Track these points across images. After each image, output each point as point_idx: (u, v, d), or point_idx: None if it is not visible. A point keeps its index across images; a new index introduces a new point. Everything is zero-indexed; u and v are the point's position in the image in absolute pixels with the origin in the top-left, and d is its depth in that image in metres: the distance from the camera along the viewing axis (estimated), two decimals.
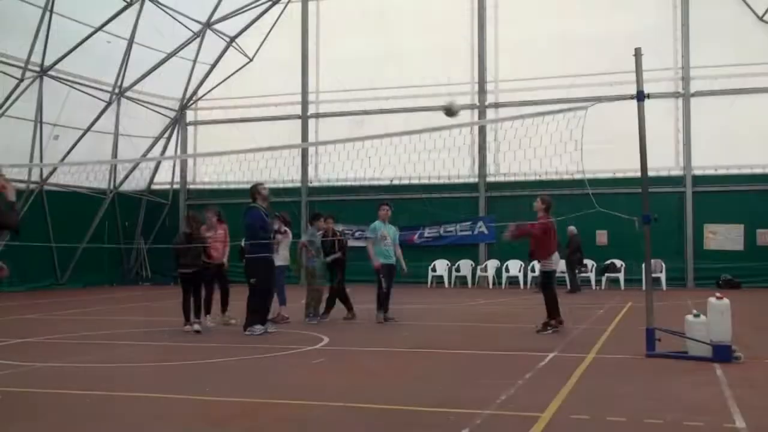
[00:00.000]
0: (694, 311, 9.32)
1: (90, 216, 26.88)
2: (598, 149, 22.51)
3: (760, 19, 24.03)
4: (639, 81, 9.69)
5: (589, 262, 23.62)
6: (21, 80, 22.42)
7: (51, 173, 24.93)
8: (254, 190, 12.35)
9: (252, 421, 6.24)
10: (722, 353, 8.71)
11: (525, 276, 24.52)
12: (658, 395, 7.10)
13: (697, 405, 6.64)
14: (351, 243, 24.86)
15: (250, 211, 12.13)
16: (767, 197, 23.79)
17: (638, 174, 9.93)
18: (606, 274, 24.08)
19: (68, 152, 25.06)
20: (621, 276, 23.70)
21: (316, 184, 28.31)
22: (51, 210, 25.05)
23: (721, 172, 24.51)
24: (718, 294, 9.15)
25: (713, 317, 8.89)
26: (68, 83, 24.31)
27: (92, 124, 25.65)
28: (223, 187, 27.33)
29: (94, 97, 25.48)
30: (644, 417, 6.13)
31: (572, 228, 22.14)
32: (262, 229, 11.98)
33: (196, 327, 12.59)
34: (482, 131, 26.31)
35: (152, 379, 8.36)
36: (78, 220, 26.14)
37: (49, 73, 23.43)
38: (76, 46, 23.39)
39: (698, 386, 7.53)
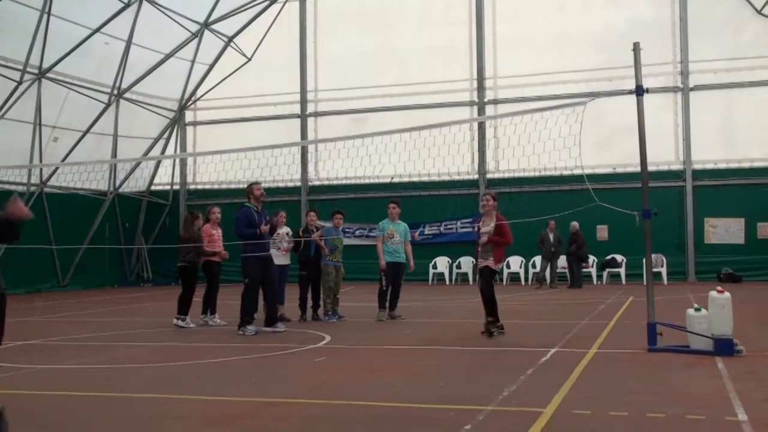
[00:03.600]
0: (696, 305, 9.33)
1: (90, 217, 26.92)
2: (598, 144, 22.70)
3: (759, 12, 24.03)
4: (638, 76, 9.68)
5: (590, 257, 23.64)
6: (19, 83, 22.43)
7: (51, 175, 24.94)
8: (248, 190, 12.51)
9: (254, 420, 6.24)
10: (724, 347, 8.71)
11: (526, 272, 24.53)
12: (660, 389, 7.09)
13: (699, 399, 6.64)
14: (351, 242, 25.07)
15: (241, 208, 12.28)
16: (767, 190, 23.81)
17: (638, 169, 9.91)
18: (607, 269, 24.10)
19: (68, 154, 25.11)
20: (622, 271, 23.72)
21: (316, 183, 28.32)
22: (51, 212, 25.05)
23: (721, 165, 24.56)
24: (719, 287, 9.14)
25: (714, 311, 8.88)
26: (67, 85, 24.32)
27: (91, 125, 25.68)
28: (223, 187, 27.32)
29: (93, 98, 25.50)
30: (646, 411, 6.13)
31: (575, 223, 22.18)
32: (247, 227, 12.00)
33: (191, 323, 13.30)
34: (481, 128, 26.33)
35: (153, 379, 8.36)
36: (78, 221, 26.17)
37: (48, 75, 23.45)
38: (74, 48, 23.42)
39: (700, 380, 7.53)
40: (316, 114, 28.71)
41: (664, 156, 24.23)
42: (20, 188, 24.27)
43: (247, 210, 12.19)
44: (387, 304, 13.83)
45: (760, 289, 19.82)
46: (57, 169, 24.48)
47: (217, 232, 13.90)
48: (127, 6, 23.92)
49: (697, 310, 9.14)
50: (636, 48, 9.70)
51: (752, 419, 5.77)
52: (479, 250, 11.41)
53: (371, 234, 26.44)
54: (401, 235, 13.99)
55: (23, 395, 7.50)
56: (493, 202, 11.54)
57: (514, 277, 24.88)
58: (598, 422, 5.91)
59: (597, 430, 5.73)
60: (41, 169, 24.56)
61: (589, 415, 6.09)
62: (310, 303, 14.29)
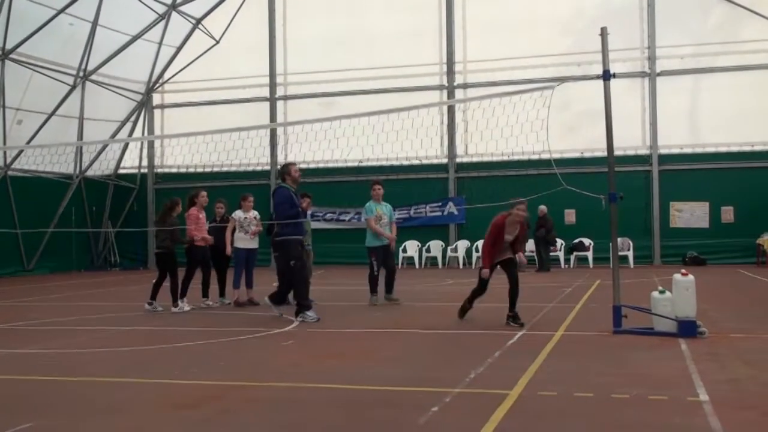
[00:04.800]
0: (660, 288, 9.45)
1: (56, 201, 26.55)
2: (566, 128, 22.85)
3: None
4: (605, 60, 9.75)
5: (557, 241, 23.84)
6: None
7: (15, 158, 24.55)
8: (285, 170, 12.01)
9: (221, 403, 6.23)
10: (687, 329, 8.85)
11: None
12: (625, 371, 7.20)
13: (662, 379, 6.74)
14: (320, 225, 25.05)
15: (279, 190, 11.85)
16: (731, 175, 24.19)
17: (605, 153, 10.00)
18: (575, 253, 24.32)
19: (32, 137, 24.70)
20: (589, 254, 23.94)
21: None
22: (16, 196, 24.70)
23: (687, 150, 24.85)
24: (683, 270, 9.27)
25: (678, 293, 9.01)
26: (31, 67, 23.91)
27: (56, 108, 25.29)
28: (191, 170, 27.14)
29: (58, 80, 25.09)
30: (611, 392, 6.22)
31: (543, 207, 22.32)
32: (292, 208, 11.57)
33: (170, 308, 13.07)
34: (451, 112, 26.38)
35: (120, 363, 8.30)
36: (44, 205, 25.82)
37: (11, 56, 23.04)
38: (38, 29, 23.00)
39: (663, 361, 7.65)
40: (285, 97, 28.54)
41: (630, 141, 24.41)
42: None
43: (285, 191, 11.71)
44: (378, 289, 13.61)
45: (724, 272, 20.14)
46: (21, 152, 24.09)
47: (203, 216, 13.79)
48: None
49: (661, 292, 9.26)
50: (603, 33, 9.75)
51: (713, 399, 5.88)
52: (494, 249, 10.71)
53: (340, 218, 26.46)
54: (388, 216, 13.88)
55: None
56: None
57: None
58: (564, 403, 5.99)
59: (562, 410, 5.80)
60: (5, 152, 24.16)
61: (554, 397, 6.17)
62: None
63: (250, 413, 5.97)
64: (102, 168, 29.00)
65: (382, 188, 14.00)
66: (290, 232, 11.60)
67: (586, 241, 24.11)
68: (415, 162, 25.78)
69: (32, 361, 8.58)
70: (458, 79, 26.87)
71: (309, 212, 14.51)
